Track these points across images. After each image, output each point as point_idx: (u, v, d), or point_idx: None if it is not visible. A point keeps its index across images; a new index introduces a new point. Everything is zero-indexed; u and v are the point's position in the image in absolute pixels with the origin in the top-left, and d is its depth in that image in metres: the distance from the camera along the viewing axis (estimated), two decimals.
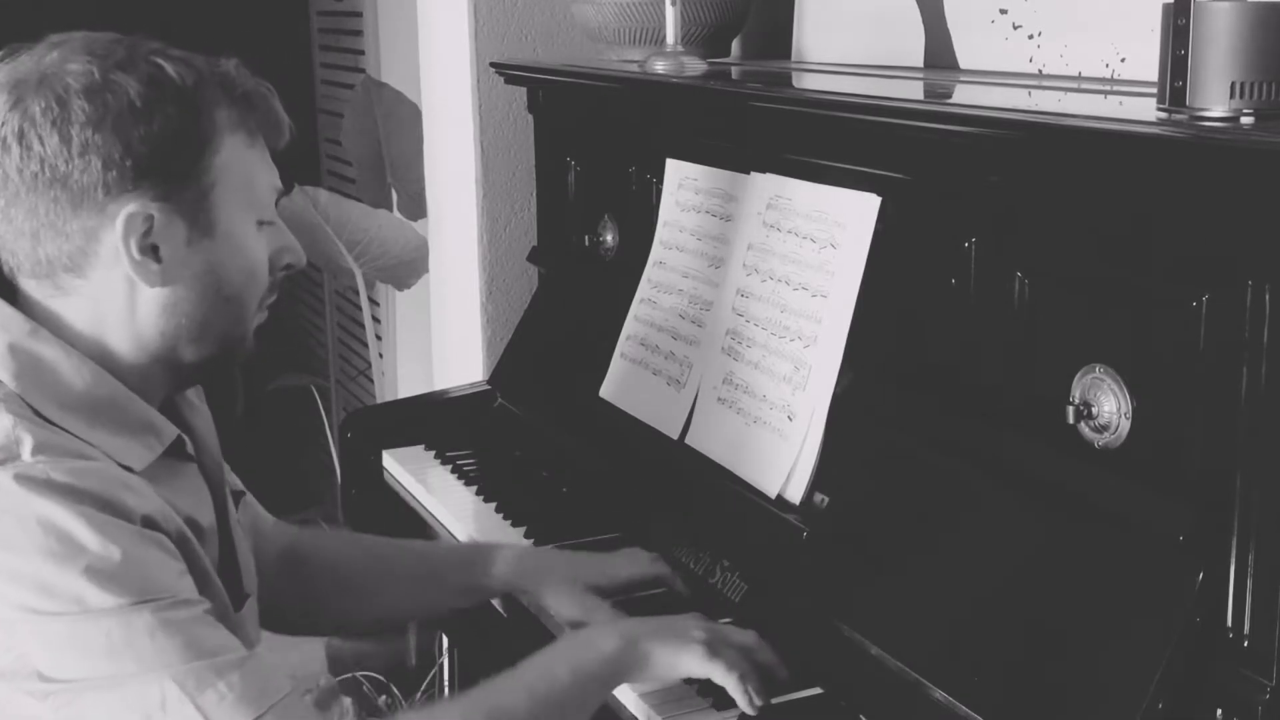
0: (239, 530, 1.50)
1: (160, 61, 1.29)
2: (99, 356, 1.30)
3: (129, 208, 1.26)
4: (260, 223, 1.37)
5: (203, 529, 1.37)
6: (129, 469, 1.27)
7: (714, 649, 1.42)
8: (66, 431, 1.25)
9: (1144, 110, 1.33)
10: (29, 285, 1.31)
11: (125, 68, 1.26)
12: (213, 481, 1.43)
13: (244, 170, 1.34)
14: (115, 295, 1.29)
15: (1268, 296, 1.16)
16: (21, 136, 1.24)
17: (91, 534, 1.17)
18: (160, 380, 1.36)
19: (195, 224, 1.30)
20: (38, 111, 1.24)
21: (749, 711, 1.42)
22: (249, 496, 1.64)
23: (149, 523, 1.23)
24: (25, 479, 1.18)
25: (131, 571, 1.18)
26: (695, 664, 1.42)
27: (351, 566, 1.71)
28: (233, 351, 1.39)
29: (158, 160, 1.26)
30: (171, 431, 1.34)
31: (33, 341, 1.28)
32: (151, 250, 1.28)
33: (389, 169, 3.77)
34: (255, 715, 1.19)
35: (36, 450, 1.20)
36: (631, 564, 1.71)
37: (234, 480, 1.57)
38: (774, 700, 1.46)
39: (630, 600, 1.67)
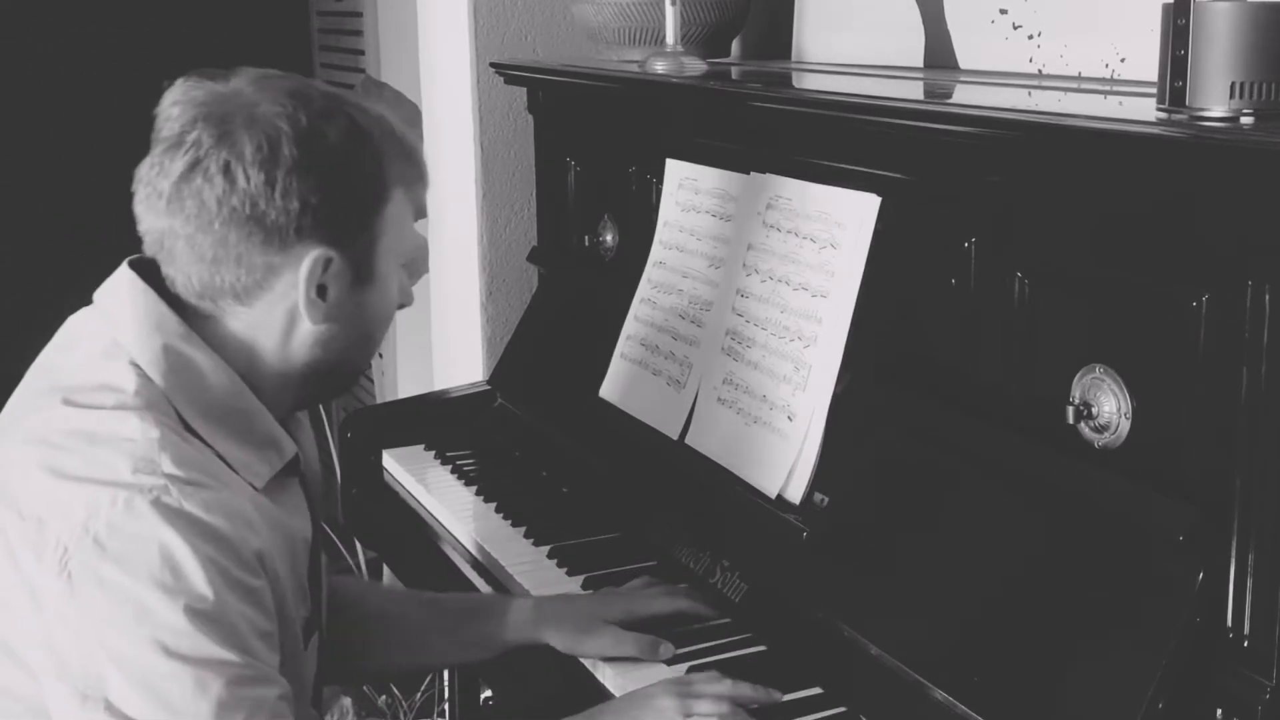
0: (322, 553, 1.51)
1: (353, 113, 1.34)
2: (243, 370, 1.35)
3: (315, 251, 1.31)
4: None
5: (303, 544, 1.40)
6: (251, 485, 1.32)
7: None
8: (202, 441, 1.29)
9: (1144, 110, 1.33)
10: (190, 300, 1.34)
11: (327, 117, 1.31)
12: (312, 498, 1.46)
13: (402, 222, 1.40)
14: (273, 324, 1.34)
15: (1268, 296, 1.16)
16: (227, 170, 1.27)
17: (201, 575, 1.19)
18: (290, 399, 1.41)
19: (359, 271, 1.36)
20: (248, 150, 1.27)
21: None
22: None
23: (260, 558, 1.26)
24: (160, 505, 1.20)
25: (224, 622, 1.20)
26: None
27: (366, 618, 1.67)
28: (354, 381, 1.49)
29: (345, 211, 1.33)
30: (291, 448, 1.39)
31: (185, 345, 1.32)
32: (320, 290, 1.33)
33: None
34: None
35: (175, 465, 1.23)
36: (654, 603, 1.65)
37: None
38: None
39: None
